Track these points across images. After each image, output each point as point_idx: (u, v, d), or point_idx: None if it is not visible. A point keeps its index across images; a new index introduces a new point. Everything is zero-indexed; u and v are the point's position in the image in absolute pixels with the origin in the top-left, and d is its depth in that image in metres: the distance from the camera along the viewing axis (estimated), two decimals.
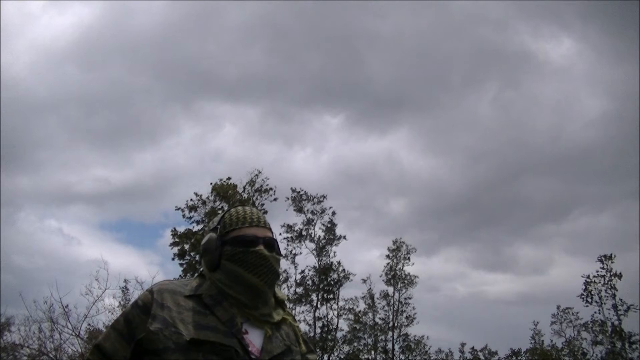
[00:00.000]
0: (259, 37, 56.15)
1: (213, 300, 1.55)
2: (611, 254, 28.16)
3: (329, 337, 28.54)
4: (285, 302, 1.74)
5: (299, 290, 28.48)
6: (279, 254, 1.68)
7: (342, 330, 29.78)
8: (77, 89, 48.83)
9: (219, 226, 1.66)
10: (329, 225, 28.92)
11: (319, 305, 28.60)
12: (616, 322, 27.26)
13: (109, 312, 16.27)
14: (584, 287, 28.22)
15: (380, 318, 31.44)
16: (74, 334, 15.28)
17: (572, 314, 30.07)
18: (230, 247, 1.60)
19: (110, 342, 1.52)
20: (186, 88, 54.17)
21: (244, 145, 46.37)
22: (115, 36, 55.50)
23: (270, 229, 1.69)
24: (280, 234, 28.53)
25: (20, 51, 54.04)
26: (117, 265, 50.06)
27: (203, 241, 1.67)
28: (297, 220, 29.45)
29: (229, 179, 25.86)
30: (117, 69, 51.99)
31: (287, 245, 28.58)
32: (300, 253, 28.74)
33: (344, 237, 29.30)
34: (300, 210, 29.10)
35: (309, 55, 52.93)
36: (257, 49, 53.18)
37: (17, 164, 47.36)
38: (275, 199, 27.19)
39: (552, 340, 30.56)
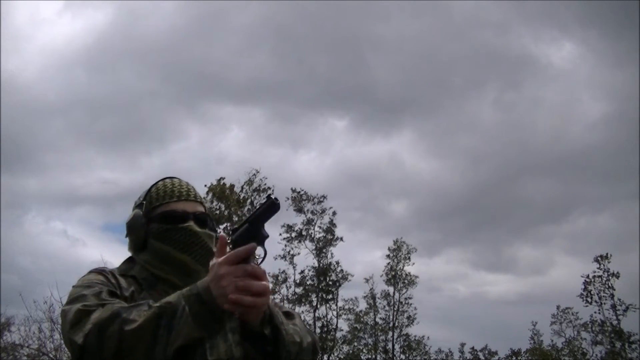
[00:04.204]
0: (265, 40, 56.13)
1: (146, 283, 1.43)
2: (607, 254, 28.07)
3: (329, 337, 28.60)
4: None
5: (299, 290, 28.56)
6: (213, 229, 1.53)
7: (342, 330, 29.90)
8: (85, 93, 49.05)
9: (144, 202, 1.51)
10: (328, 226, 28.99)
11: (318, 306, 28.67)
12: (615, 322, 27.26)
13: None
14: (583, 286, 28.24)
15: (380, 318, 31.55)
16: None
17: (572, 314, 30.10)
18: (157, 225, 1.46)
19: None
20: (193, 91, 54.31)
21: (250, 148, 46.35)
22: (123, 40, 55.25)
23: (201, 203, 1.55)
24: (280, 234, 28.66)
25: (32, 55, 54.53)
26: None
27: (127, 219, 1.51)
28: (297, 220, 29.46)
29: (222, 178, 25.90)
30: (125, 72, 52.13)
31: (286, 245, 28.69)
32: (299, 253, 28.80)
33: (341, 239, 29.28)
34: (300, 210, 29.17)
35: (315, 58, 52.78)
36: (263, 52, 53.11)
37: (25, 167, 47.83)
38: None
39: (552, 340, 30.61)
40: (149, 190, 1.55)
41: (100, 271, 1.42)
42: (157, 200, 1.51)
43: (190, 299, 1.15)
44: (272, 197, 1.19)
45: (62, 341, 16.05)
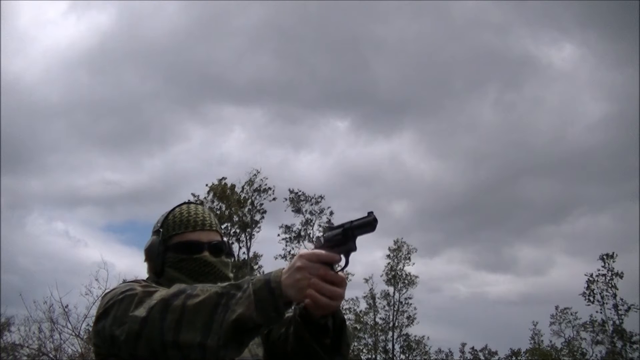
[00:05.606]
0: (267, 42, 56.33)
1: None
2: (613, 253, 28.12)
3: None
4: None
5: None
6: (229, 254, 1.59)
7: None
8: (87, 94, 49.41)
9: (161, 229, 1.54)
10: (326, 225, 28.90)
11: None
12: (617, 322, 27.22)
13: None
14: (586, 285, 28.20)
15: (380, 318, 31.61)
16: (73, 334, 15.40)
17: (571, 314, 30.08)
18: (173, 254, 1.50)
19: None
20: (195, 92, 54.65)
21: (252, 149, 46.75)
22: (126, 42, 55.69)
23: (217, 230, 1.58)
24: (278, 234, 28.73)
25: (36, 57, 55.02)
26: (122, 266, 50.58)
27: (146, 246, 1.55)
28: (296, 220, 29.49)
29: (224, 178, 26.00)
30: (127, 74, 52.45)
31: (286, 245, 28.74)
32: None
33: None
34: (298, 210, 29.20)
35: (316, 59, 53.05)
36: (265, 53, 53.37)
37: (27, 168, 48.21)
38: (274, 199, 27.39)
39: (551, 341, 30.61)
40: (166, 217, 1.57)
41: (134, 280, 1.45)
42: (174, 229, 1.53)
43: (258, 282, 1.14)
44: (374, 215, 1.18)
45: (62, 341, 16.14)
